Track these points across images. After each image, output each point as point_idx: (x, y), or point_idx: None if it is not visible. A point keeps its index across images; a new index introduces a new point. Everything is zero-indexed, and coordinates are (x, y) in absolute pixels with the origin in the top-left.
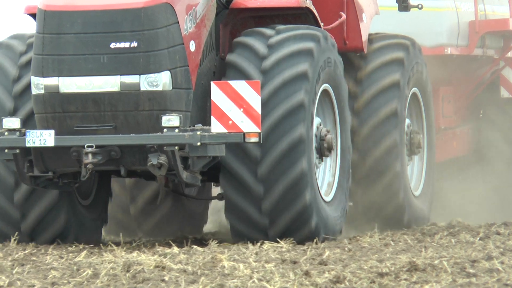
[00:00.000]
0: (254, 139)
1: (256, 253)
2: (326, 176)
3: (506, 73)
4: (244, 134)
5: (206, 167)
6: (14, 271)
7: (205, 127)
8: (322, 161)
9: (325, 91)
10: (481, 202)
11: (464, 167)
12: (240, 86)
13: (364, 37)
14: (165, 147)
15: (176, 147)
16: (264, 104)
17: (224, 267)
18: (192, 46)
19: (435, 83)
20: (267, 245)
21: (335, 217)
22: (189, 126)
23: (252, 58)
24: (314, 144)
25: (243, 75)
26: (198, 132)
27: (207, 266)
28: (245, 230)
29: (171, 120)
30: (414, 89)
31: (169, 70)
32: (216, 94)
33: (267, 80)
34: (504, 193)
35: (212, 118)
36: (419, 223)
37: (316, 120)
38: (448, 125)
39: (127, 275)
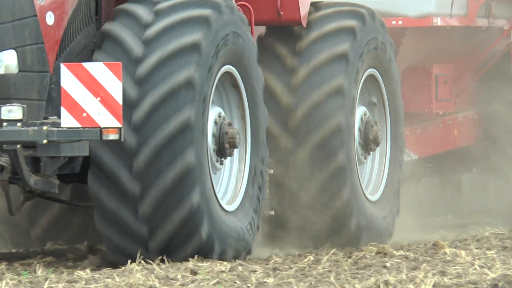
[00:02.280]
0: (113, 136)
1: (478, 240)
2: (231, 180)
3: None
4: (101, 129)
5: (66, 170)
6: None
7: (58, 121)
8: (222, 162)
9: (228, 74)
10: (485, 205)
11: (469, 159)
12: (97, 69)
13: (304, 7)
14: (4, 145)
15: (19, 145)
16: (142, 82)
17: (446, 253)
18: (49, 19)
19: (425, 60)
20: (488, 232)
21: (240, 228)
22: (45, 119)
23: (133, 26)
24: (209, 137)
25: (121, 47)
26: (45, 127)
27: (428, 253)
28: (119, 241)
29: (12, 111)
30: (372, 70)
31: (15, 48)
32: (67, 79)
33: (149, 52)
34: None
35: (62, 109)
36: (375, 236)
37: (216, 110)
38: (444, 110)
39: (349, 261)
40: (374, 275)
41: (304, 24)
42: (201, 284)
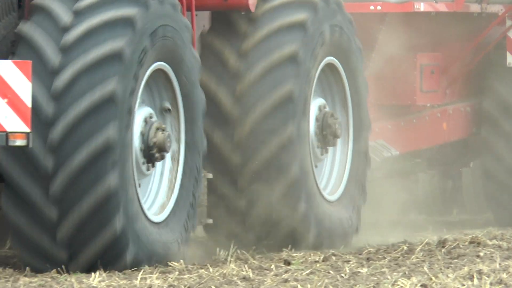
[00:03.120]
0: (20, 142)
1: None
2: (160, 191)
3: None
4: (7, 134)
5: None
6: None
7: None
8: (149, 169)
9: (160, 71)
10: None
11: (458, 155)
12: (4, 67)
13: None
14: None
15: None
16: (58, 96)
17: None
18: None
19: (409, 49)
20: None
21: (170, 242)
22: None
23: (50, 28)
24: (136, 149)
25: (36, 55)
26: None
27: None
28: (38, 264)
29: None
30: (330, 59)
31: None
32: None
33: (68, 61)
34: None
35: None
36: (336, 239)
37: (145, 114)
38: (430, 102)
39: (442, 250)
40: (467, 265)
41: (253, 9)
42: (295, 274)
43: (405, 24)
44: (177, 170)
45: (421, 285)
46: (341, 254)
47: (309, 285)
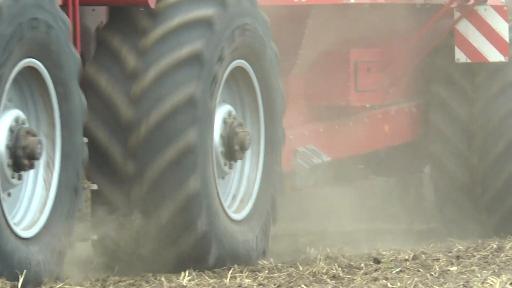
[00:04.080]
0: None
1: None
2: (32, 203)
3: (464, 29)
4: None
5: None
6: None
7: None
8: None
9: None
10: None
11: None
12: None
13: None
14: None
15: None
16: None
17: None
18: None
19: (342, 44)
20: None
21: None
22: None
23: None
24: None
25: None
26: None
27: None
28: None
29: None
30: (240, 62)
31: None
32: None
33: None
34: (458, 202)
35: None
36: (240, 261)
37: (13, 116)
38: (367, 103)
39: None
40: None
41: (153, 6)
42: (384, 272)
43: (336, 17)
44: (46, 186)
45: (511, 284)
46: (431, 252)
47: (398, 283)
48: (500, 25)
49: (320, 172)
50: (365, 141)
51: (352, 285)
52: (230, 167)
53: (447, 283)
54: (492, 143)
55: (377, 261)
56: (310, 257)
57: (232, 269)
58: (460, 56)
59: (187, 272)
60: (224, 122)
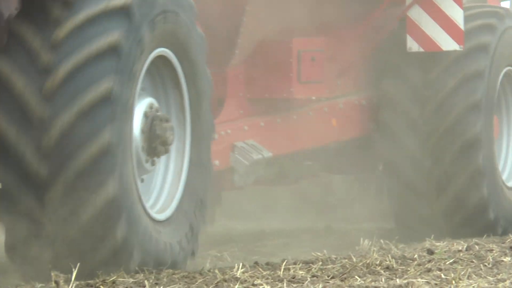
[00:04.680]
0: None
1: None
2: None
3: (416, 16)
4: None
5: None
6: None
7: None
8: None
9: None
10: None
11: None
12: None
13: None
14: None
15: None
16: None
17: None
18: None
19: (284, 33)
20: None
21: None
22: None
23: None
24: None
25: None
26: None
27: None
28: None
29: None
30: (162, 51)
31: None
32: None
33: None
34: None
35: None
36: (167, 261)
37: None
38: (311, 95)
39: None
40: None
41: None
42: (438, 263)
43: (276, 3)
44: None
45: None
46: (484, 243)
47: (452, 274)
48: (455, 12)
49: (261, 169)
50: (310, 136)
51: (405, 276)
52: (153, 164)
53: (501, 274)
54: (447, 144)
55: (430, 252)
56: (363, 248)
57: (286, 260)
58: (412, 45)
59: (240, 264)
60: (145, 116)
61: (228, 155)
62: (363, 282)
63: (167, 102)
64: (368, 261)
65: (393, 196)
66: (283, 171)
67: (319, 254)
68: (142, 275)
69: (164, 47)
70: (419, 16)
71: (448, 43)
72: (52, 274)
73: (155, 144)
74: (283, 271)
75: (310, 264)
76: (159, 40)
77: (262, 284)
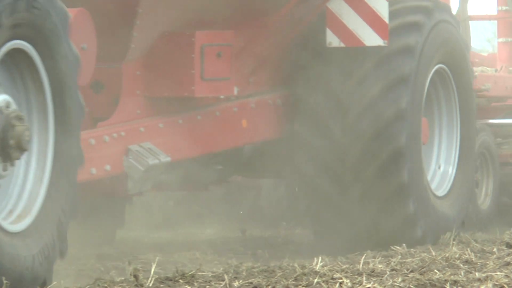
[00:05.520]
0: None
1: None
2: None
3: (337, 8)
4: None
5: None
6: None
7: None
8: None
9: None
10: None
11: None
12: None
13: None
14: None
15: None
16: None
17: None
18: None
19: (185, 25)
20: None
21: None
22: None
23: None
24: None
25: None
26: None
27: None
28: None
29: None
30: (16, 43)
31: None
32: None
33: None
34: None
35: None
36: (10, 275)
37: None
38: (216, 93)
39: None
40: None
41: None
42: None
43: None
44: None
45: None
46: None
47: None
48: (379, 4)
49: (158, 175)
50: (216, 138)
51: (484, 269)
52: (5, 169)
53: None
54: (368, 161)
55: (509, 245)
56: (443, 242)
57: (365, 254)
58: (333, 40)
59: (319, 258)
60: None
61: (121, 160)
62: (442, 275)
63: (27, 99)
64: (447, 255)
65: (311, 211)
66: (190, 176)
67: (398, 248)
68: (221, 268)
69: (24, 39)
70: (340, 8)
71: (371, 38)
72: (131, 268)
73: (8, 144)
74: (362, 265)
75: (389, 258)
76: (19, 28)
77: (341, 278)
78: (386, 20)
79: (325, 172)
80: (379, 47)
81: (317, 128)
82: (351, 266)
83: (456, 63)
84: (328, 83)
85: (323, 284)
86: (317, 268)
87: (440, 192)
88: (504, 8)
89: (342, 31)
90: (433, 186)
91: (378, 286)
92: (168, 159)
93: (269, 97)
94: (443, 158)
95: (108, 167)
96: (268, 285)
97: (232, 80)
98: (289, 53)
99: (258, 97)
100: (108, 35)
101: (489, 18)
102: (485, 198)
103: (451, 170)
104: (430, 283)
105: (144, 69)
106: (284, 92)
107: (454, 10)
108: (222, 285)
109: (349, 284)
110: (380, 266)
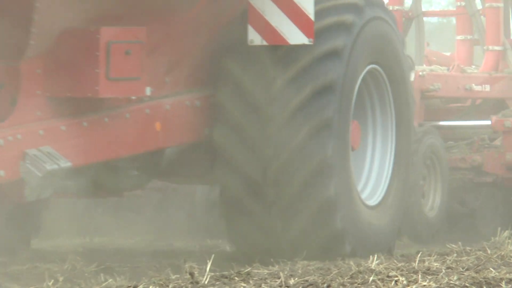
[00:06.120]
0: None
1: None
2: None
3: (259, 3)
4: None
5: None
6: None
7: None
8: None
9: None
10: None
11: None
12: None
13: None
14: None
15: None
16: None
17: None
18: None
19: (89, 19)
20: None
21: None
22: None
23: None
24: None
25: None
26: None
27: None
28: None
29: None
30: None
31: None
32: None
33: None
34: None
35: None
36: None
37: None
38: (124, 94)
39: None
40: None
41: None
42: None
43: None
44: None
45: None
46: None
47: None
48: (304, 0)
49: (58, 180)
50: (125, 142)
51: None
52: None
53: None
54: (292, 174)
55: None
56: (498, 240)
57: (421, 252)
58: (255, 38)
59: (375, 256)
60: None
61: (18, 165)
62: (497, 274)
63: None
64: (502, 253)
65: (233, 227)
66: (102, 182)
67: (453, 246)
68: (277, 266)
69: None
70: (263, 4)
71: (295, 36)
72: (186, 265)
73: None
74: (418, 263)
75: (445, 256)
76: None
77: (397, 276)
78: (312, 17)
79: (246, 186)
80: (305, 50)
81: (236, 138)
82: (407, 264)
83: (390, 63)
84: (248, 88)
85: (378, 282)
86: (373, 266)
87: (372, 202)
88: (462, 4)
89: (265, 28)
90: (364, 195)
91: (433, 284)
92: (69, 164)
93: (187, 98)
94: (376, 165)
95: (2, 173)
96: (324, 283)
97: (143, 80)
98: (209, 52)
99: (174, 98)
100: (4, 31)
101: (444, 14)
102: (433, 205)
103: (385, 177)
104: (485, 281)
105: (45, 68)
106: (204, 94)
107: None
108: (277, 283)
109: (405, 282)
110: (435, 264)
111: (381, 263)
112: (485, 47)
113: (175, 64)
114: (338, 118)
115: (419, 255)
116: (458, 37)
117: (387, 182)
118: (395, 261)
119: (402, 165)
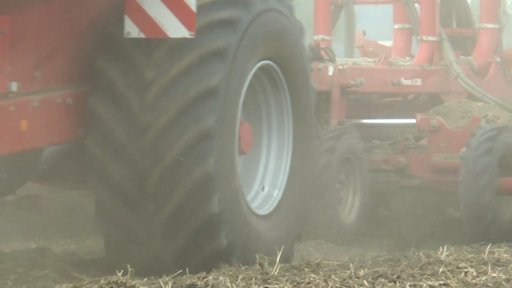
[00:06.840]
0: None
1: None
2: None
3: None
4: None
5: None
6: None
7: None
8: None
9: None
10: None
11: None
12: None
13: None
14: None
15: None
16: None
17: None
18: None
19: None
20: None
21: None
22: None
23: None
24: None
25: None
26: None
27: None
28: None
29: None
30: None
31: None
32: None
33: None
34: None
35: None
36: None
37: None
38: None
39: None
40: None
41: None
42: None
43: None
44: None
45: None
46: None
47: None
48: None
49: None
50: None
51: None
52: None
53: None
54: (171, 188)
55: None
56: None
57: (490, 244)
58: (131, 29)
59: (445, 247)
60: None
61: None
62: None
63: None
64: None
65: (110, 242)
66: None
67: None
68: (347, 257)
69: None
70: None
71: (176, 29)
72: (257, 256)
73: None
74: (487, 254)
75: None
76: None
77: (466, 267)
78: (193, 8)
79: (122, 200)
80: (185, 51)
81: (110, 147)
82: (476, 255)
83: (286, 57)
84: (122, 92)
85: (448, 273)
86: (442, 257)
87: (265, 211)
88: None
89: (143, 19)
90: (255, 204)
91: (503, 275)
92: None
93: (58, 95)
94: (272, 168)
95: None
96: (393, 274)
97: (7, 74)
98: (85, 46)
99: (44, 95)
100: None
101: (375, 2)
102: (350, 210)
103: (280, 182)
104: None
105: None
106: (77, 90)
107: None
108: (347, 274)
109: (474, 273)
110: (505, 255)
111: (451, 254)
112: (419, 37)
113: (46, 58)
114: (221, 125)
115: (488, 246)
116: (396, 26)
117: (283, 187)
118: (464, 252)
119: (301, 169)
